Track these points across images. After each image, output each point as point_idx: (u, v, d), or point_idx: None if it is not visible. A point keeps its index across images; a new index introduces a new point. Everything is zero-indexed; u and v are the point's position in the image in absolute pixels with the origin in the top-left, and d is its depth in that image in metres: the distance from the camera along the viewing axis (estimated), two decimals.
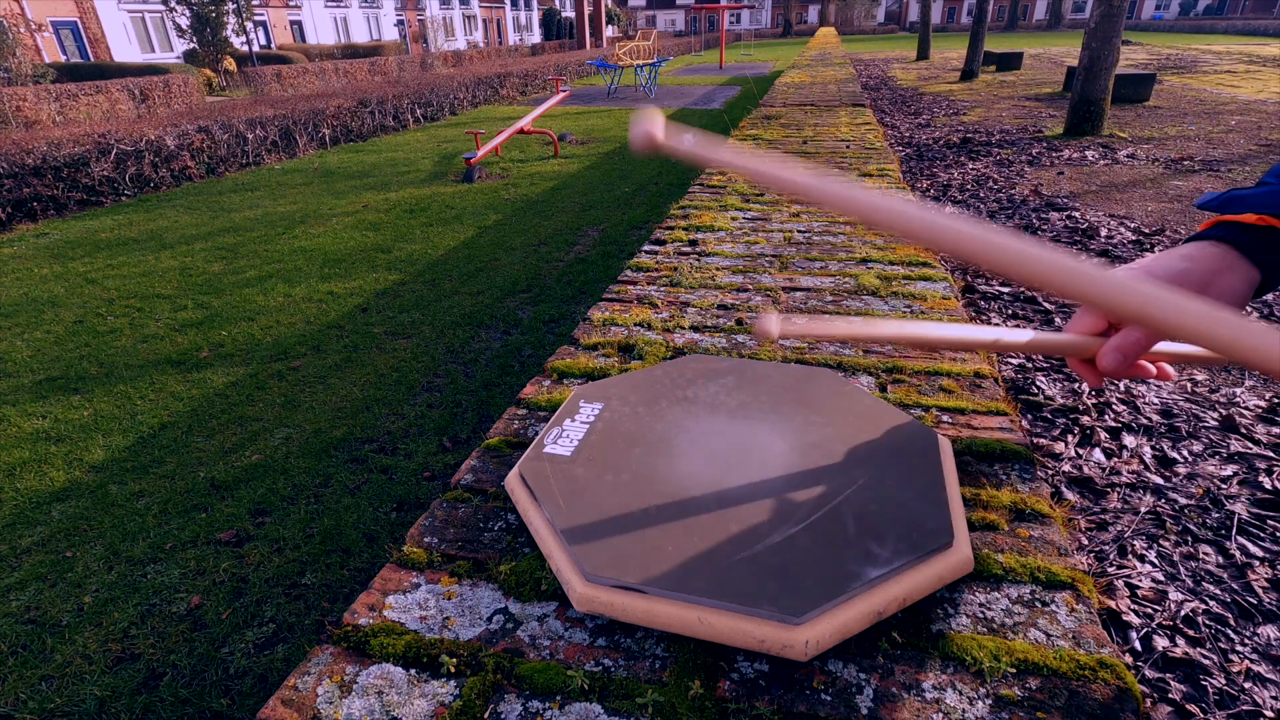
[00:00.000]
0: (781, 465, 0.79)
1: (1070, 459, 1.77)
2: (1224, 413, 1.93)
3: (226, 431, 2.58)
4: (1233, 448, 1.77)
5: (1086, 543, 1.47)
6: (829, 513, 0.71)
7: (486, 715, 0.58)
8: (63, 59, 22.12)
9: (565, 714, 0.58)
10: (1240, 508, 1.54)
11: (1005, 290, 2.92)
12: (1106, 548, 1.46)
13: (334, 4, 33.62)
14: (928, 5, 15.40)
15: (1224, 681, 1.13)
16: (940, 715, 0.56)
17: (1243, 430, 1.85)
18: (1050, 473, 1.72)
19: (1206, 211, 0.59)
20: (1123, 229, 3.68)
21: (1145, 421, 1.92)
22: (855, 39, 39.16)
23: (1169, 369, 0.61)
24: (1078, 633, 0.63)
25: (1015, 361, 2.28)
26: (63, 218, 6.07)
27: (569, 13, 48.55)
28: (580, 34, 27.62)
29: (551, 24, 45.80)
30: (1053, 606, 0.66)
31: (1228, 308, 0.53)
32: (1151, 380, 0.62)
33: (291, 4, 31.21)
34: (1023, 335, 0.64)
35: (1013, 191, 4.57)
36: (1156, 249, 3.36)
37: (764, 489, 0.75)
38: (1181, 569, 1.39)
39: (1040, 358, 2.31)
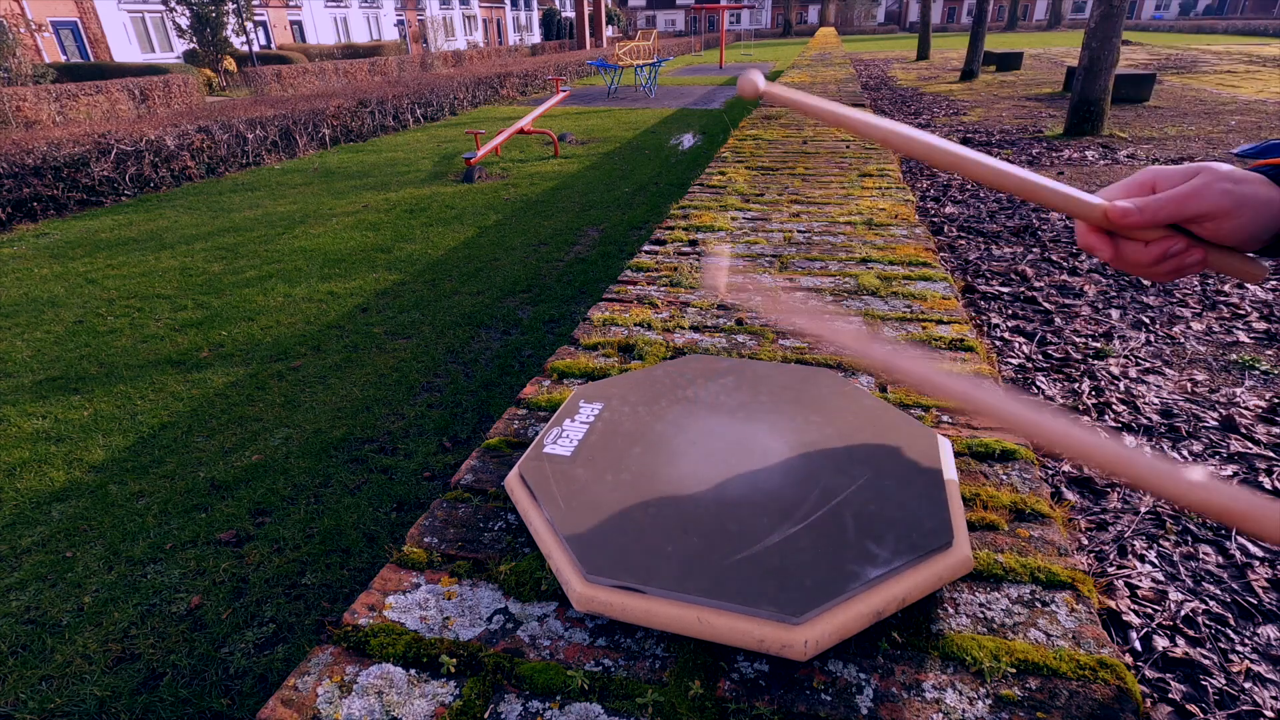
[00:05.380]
0: (781, 465, 0.79)
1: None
2: (1224, 413, 1.93)
3: (226, 431, 2.58)
4: (1233, 448, 1.77)
5: (1086, 543, 1.47)
6: (829, 513, 0.71)
7: (486, 715, 0.58)
8: (63, 59, 22.10)
9: (565, 714, 0.58)
10: None
11: (1005, 290, 2.92)
12: (1106, 548, 1.46)
13: (334, 4, 33.61)
14: (927, 5, 15.40)
15: (1224, 681, 1.13)
16: (940, 715, 0.56)
17: (1243, 430, 1.85)
18: (1050, 473, 1.72)
19: (1244, 159, 0.58)
20: None
21: (1145, 421, 1.92)
22: (855, 39, 39.15)
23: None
24: (1078, 633, 0.63)
25: (1015, 361, 2.28)
26: (63, 218, 6.07)
27: (569, 13, 48.54)
28: (580, 34, 27.61)
29: (551, 24, 45.80)
30: (1053, 606, 0.66)
31: (1256, 213, 0.49)
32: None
33: (291, 4, 31.20)
34: (1037, 180, 0.52)
35: None
36: None
37: (764, 489, 0.75)
38: (1181, 569, 1.39)
39: (1040, 357, 2.31)
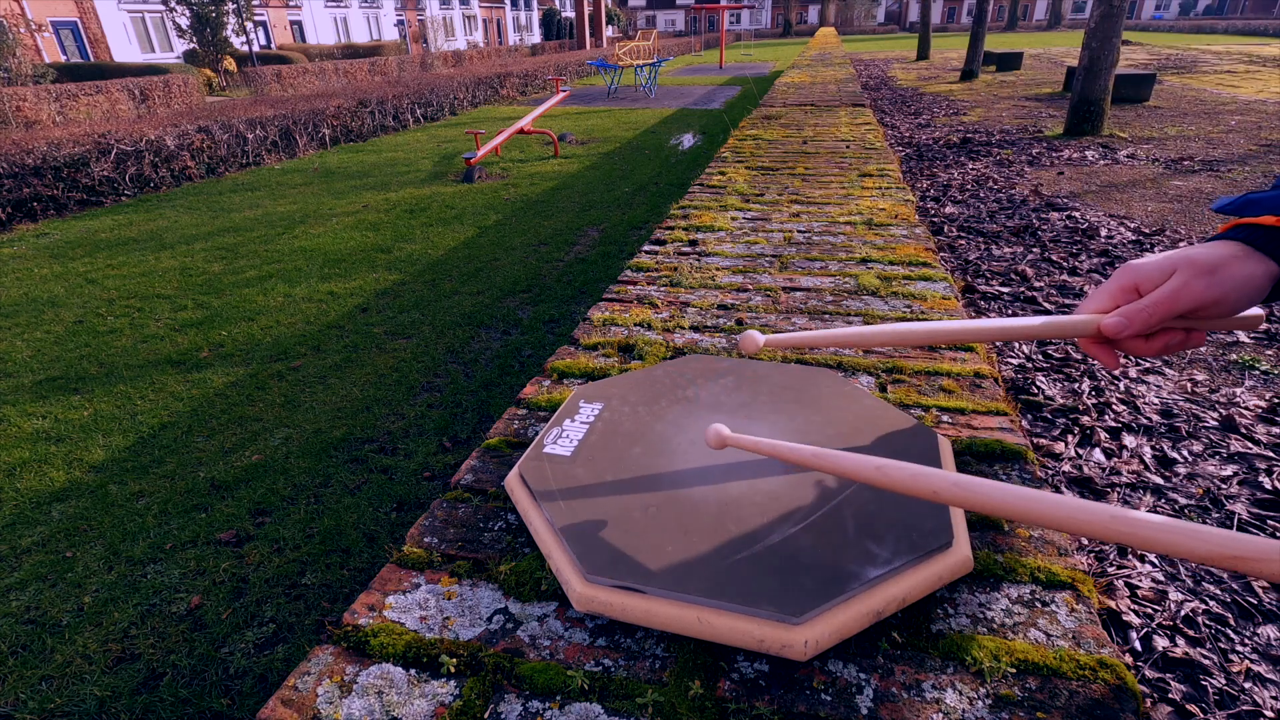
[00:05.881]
0: (781, 465, 0.79)
1: (1070, 459, 1.77)
2: (1224, 413, 1.93)
3: (226, 431, 2.58)
4: (1233, 448, 1.77)
5: (1086, 542, 1.47)
6: (829, 513, 0.71)
7: (486, 715, 0.58)
8: (63, 59, 22.10)
9: (565, 714, 0.58)
10: (1240, 508, 1.54)
11: (1005, 290, 2.92)
12: (1106, 547, 1.46)
13: (334, 4, 33.61)
14: (928, 5, 15.40)
15: (1224, 681, 1.13)
16: (940, 715, 0.56)
17: (1243, 430, 1.85)
18: (1050, 473, 1.72)
19: (1223, 215, 0.59)
20: (1123, 229, 3.68)
21: (1145, 421, 1.92)
22: (855, 39, 39.15)
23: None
24: (1078, 633, 0.63)
25: (1015, 361, 2.28)
26: (63, 218, 6.07)
27: (569, 13, 48.53)
28: (580, 34, 27.61)
29: (551, 24, 45.80)
30: (1053, 606, 0.66)
31: (1240, 294, 0.54)
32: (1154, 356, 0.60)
33: (291, 4, 31.19)
34: (1026, 322, 0.64)
35: (1013, 191, 4.57)
36: (1156, 249, 3.36)
37: (764, 489, 0.75)
38: (1181, 569, 1.39)
39: (1040, 357, 2.31)
